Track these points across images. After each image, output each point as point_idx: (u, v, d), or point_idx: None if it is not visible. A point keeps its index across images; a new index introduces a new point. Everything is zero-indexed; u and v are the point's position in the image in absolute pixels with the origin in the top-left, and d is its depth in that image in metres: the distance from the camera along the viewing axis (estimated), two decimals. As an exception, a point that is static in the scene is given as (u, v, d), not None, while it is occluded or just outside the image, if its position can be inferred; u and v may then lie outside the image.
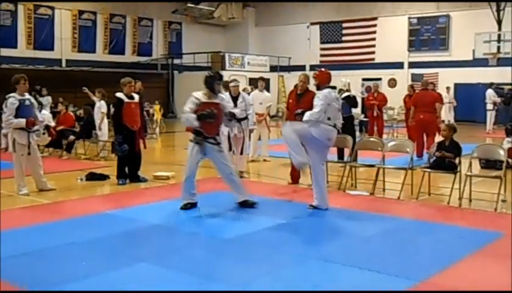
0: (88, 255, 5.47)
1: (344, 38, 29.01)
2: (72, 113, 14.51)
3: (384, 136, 15.17)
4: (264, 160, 12.20)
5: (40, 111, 9.89)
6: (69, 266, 5.12)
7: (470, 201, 7.89)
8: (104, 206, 7.89)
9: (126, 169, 9.58)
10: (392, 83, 26.75)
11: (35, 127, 8.69)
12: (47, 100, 19.23)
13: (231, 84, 10.33)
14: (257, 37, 31.76)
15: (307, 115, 7.18)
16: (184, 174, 7.49)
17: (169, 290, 4.51)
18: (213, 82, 7.36)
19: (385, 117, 16.87)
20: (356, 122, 13.92)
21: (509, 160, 9.12)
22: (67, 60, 24.83)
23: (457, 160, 7.98)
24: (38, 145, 9.79)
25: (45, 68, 23.25)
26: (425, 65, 25.85)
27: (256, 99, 11.64)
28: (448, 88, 22.67)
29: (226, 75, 23.21)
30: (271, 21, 30.85)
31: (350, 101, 11.46)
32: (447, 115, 20.63)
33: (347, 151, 9.95)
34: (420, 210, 7.58)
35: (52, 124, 13.31)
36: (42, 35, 23.90)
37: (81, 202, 8.23)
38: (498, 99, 20.69)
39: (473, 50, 23.34)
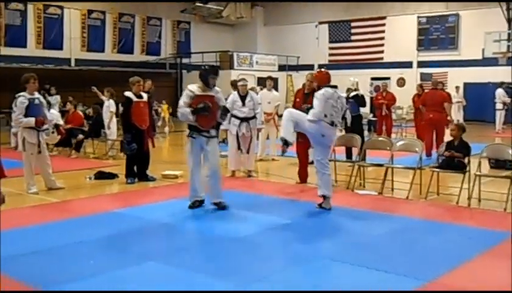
0: (97, 253, 5.50)
1: (352, 37, 28.94)
2: (80, 112, 14.56)
3: (393, 135, 15.11)
4: (273, 160, 12.19)
5: (49, 110, 9.94)
6: (78, 264, 5.15)
7: (479, 201, 7.84)
8: (113, 205, 7.93)
9: (135, 168, 9.61)
10: (401, 82, 26.65)
11: (45, 126, 8.75)
12: (55, 99, 19.32)
13: (239, 83, 10.34)
14: (265, 36, 31.74)
15: (309, 116, 7.28)
16: (189, 173, 7.48)
17: (177, 290, 4.51)
18: (208, 76, 7.30)
19: (394, 116, 16.80)
20: (364, 121, 13.89)
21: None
22: (76, 60, 24.93)
23: (466, 160, 7.94)
24: (47, 144, 9.86)
25: (54, 67, 23.34)
26: (434, 64, 25.73)
27: (264, 99, 11.63)
28: (457, 87, 22.58)
29: (234, 74, 23.37)
30: (280, 20, 30.81)
31: (359, 100, 11.46)
32: (456, 114, 20.52)
33: (355, 151, 9.94)
34: (429, 210, 7.55)
35: (61, 122, 13.37)
36: (52, 35, 24.01)
37: (90, 201, 8.27)
38: (508, 99, 20.57)
39: (483, 50, 23.22)
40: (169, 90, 27.79)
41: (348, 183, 8.95)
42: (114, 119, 13.02)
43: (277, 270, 5.12)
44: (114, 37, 26.63)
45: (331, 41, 29.65)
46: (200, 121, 7.20)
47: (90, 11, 25.49)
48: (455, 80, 23.64)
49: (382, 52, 27.86)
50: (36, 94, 8.69)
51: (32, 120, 8.42)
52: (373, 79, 26.44)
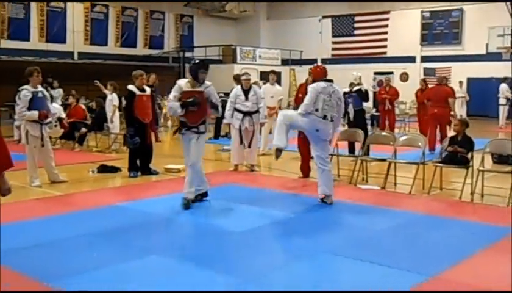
0: (99, 247, 5.50)
1: (356, 32, 28.85)
2: (82, 106, 14.56)
3: (396, 130, 15.09)
4: (275, 154, 12.16)
5: (51, 103, 9.94)
6: (80, 257, 5.15)
7: (482, 196, 7.84)
8: (115, 198, 7.94)
9: (137, 161, 9.62)
10: (404, 77, 26.59)
11: (48, 120, 8.77)
12: (58, 92, 19.32)
13: (242, 77, 10.33)
14: (269, 30, 31.66)
15: (299, 109, 7.33)
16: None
17: (178, 290, 4.52)
18: (197, 70, 7.18)
19: (397, 111, 16.79)
20: (367, 116, 13.87)
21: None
22: (79, 53, 24.90)
23: (469, 155, 7.93)
24: (50, 137, 9.88)
25: (57, 60, 23.32)
26: (437, 59, 25.66)
27: (267, 93, 11.62)
28: (461, 82, 22.52)
29: (237, 68, 23.32)
30: (283, 14, 30.73)
31: (362, 95, 11.44)
32: (459, 109, 20.46)
33: (358, 145, 9.92)
34: (432, 205, 7.54)
35: (64, 116, 13.38)
36: (55, 28, 23.97)
37: (92, 194, 8.29)
38: (511, 95, 20.52)
39: (487, 45, 23.15)
40: (172, 83, 27.61)
41: (351, 178, 8.94)
42: (117, 113, 13.03)
43: (279, 264, 5.12)
44: (117, 31, 26.59)
45: (334, 36, 29.56)
46: (188, 117, 7.10)
47: (93, 5, 25.43)
48: (459, 75, 23.59)
49: (385, 46, 27.77)
50: (40, 88, 8.69)
51: (35, 113, 8.43)
52: (376, 73, 26.38)
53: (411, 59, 26.78)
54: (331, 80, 7.47)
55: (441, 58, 25.52)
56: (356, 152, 10.01)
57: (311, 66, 8.72)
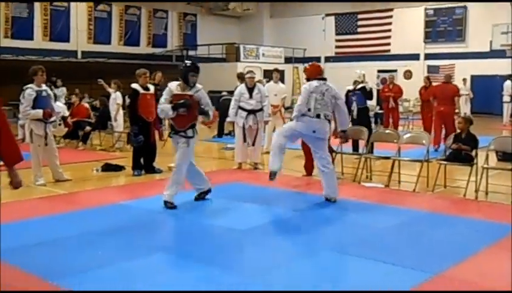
0: (104, 245, 5.50)
1: (359, 30, 28.81)
2: (86, 105, 14.57)
3: (400, 128, 15.08)
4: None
5: (55, 102, 9.97)
6: (85, 256, 5.16)
7: (487, 193, 7.82)
8: (119, 197, 7.96)
9: (141, 160, 9.63)
10: (408, 75, 26.55)
11: (52, 118, 8.79)
12: (61, 91, 19.36)
13: (247, 75, 10.33)
14: (272, 28, 31.64)
15: (293, 113, 7.32)
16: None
17: (180, 291, 4.52)
18: (187, 73, 7.03)
19: (401, 109, 16.76)
20: (371, 114, 13.84)
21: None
22: (82, 52, 24.96)
23: (473, 153, 7.91)
24: (55, 136, 9.89)
25: (61, 59, 23.39)
26: (441, 57, 25.61)
27: (271, 91, 11.60)
28: (464, 79, 22.48)
29: (241, 66, 23.32)
30: (286, 12, 30.71)
31: (366, 93, 11.41)
32: (463, 106, 20.45)
33: (362, 143, 9.91)
34: (436, 203, 7.53)
35: (67, 115, 13.42)
36: (58, 27, 24.02)
37: (96, 192, 8.30)
38: (515, 92, 20.49)
39: (491, 42, 23.09)
40: (176, 82, 27.76)
41: (354, 175, 8.94)
42: (121, 112, 13.04)
43: (283, 261, 5.12)
44: (120, 29, 26.63)
45: (337, 34, 29.53)
46: (176, 121, 7.04)
47: (96, 4, 25.48)
48: (462, 72, 23.53)
49: (389, 44, 27.73)
50: (44, 87, 8.71)
51: (39, 112, 8.45)
52: (380, 71, 26.30)
53: (414, 57, 26.74)
54: (324, 79, 7.44)
55: (445, 55, 25.47)
56: (360, 150, 10.00)
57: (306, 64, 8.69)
